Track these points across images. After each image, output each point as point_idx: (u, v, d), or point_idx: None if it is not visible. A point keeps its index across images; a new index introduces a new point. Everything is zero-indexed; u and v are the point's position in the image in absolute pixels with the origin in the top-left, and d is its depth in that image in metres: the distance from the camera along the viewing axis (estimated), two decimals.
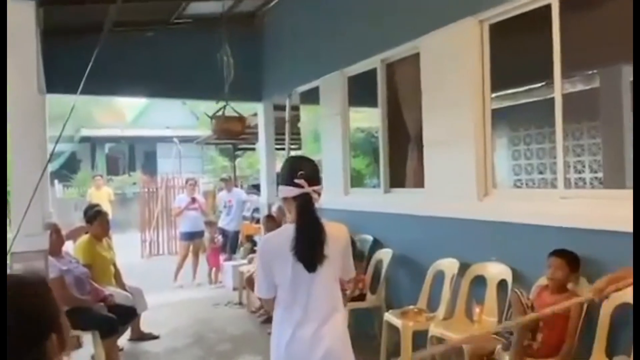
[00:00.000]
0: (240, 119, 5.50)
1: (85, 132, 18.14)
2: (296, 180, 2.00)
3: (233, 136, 6.41)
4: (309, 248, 1.96)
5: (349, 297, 4.22)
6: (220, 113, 5.44)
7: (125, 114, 21.28)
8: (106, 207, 9.86)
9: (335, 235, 2.06)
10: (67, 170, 17.49)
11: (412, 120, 4.88)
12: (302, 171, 2.01)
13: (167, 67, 6.51)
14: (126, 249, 10.03)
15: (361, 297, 4.40)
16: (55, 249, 3.95)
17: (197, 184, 8.50)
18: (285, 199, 2.07)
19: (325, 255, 1.98)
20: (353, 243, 4.27)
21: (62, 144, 16.69)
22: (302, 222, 1.99)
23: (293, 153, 7.09)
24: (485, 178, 3.71)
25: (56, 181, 13.70)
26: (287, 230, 2.01)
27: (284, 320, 2.03)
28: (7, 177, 3.22)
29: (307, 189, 2.00)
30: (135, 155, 22.00)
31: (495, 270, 3.47)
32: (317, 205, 2.03)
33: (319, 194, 2.05)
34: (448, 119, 3.91)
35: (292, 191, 2.01)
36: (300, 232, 1.97)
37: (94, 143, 19.67)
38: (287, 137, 6.74)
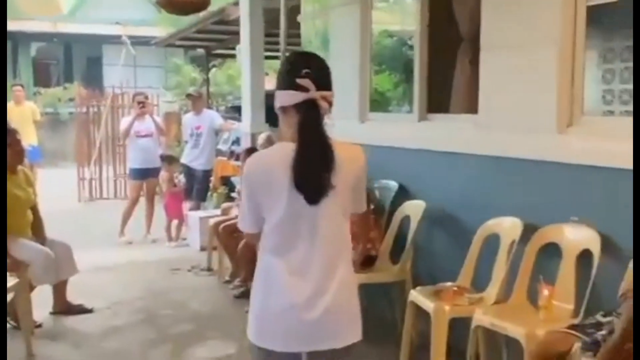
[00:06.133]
0: None
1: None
2: (299, 81, 2.05)
3: (189, 10, 5.85)
4: (313, 174, 2.04)
5: (357, 260, 4.18)
6: None
7: (60, 2, 20.92)
8: (29, 130, 9.95)
9: (348, 159, 2.14)
10: None
11: (465, 13, 4.79)
12: (307, 69, 2.07)
13: None
14: (59, 190, 10.18)
15: (370, 262, 4.40)
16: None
17: (149, 102, 8.24)
18: (284, 110, 2.13)
19: (333, 185, 2.06)
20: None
21: None
22: (305, 140, 2.05)
23: None
24: (572, 100, 3.57)
25: None
26: (284, 149, 2.08)
27: (272, 268, 2.11)
28: None
29: (314, 94, 2.05)
30: (73, 60, 21.93)
31: (576, 237, 3.42)
32: (327, 119, 2.10)
33: (330, 103, 2.11)
34: (522, 12, 3.76)
35: (293, 96, 2.07)
36: (302, 152, 2.04)
37: (16, 41, 19.75)
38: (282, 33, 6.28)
